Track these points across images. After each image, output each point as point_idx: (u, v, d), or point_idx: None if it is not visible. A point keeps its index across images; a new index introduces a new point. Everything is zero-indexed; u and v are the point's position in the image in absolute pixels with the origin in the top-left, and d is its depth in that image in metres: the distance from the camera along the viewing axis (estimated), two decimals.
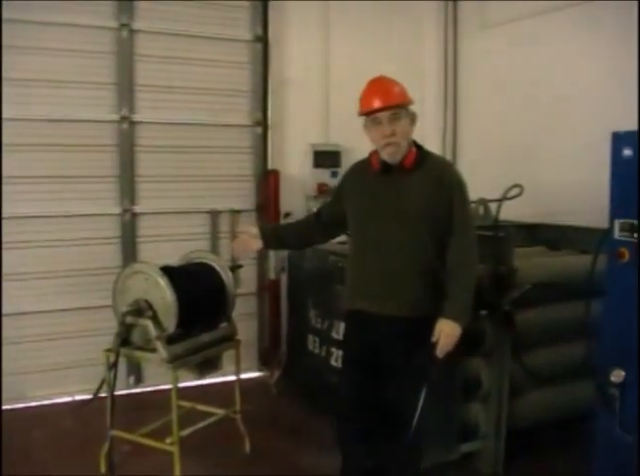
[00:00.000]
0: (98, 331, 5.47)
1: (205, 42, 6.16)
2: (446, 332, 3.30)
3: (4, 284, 5.53)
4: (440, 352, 3.31)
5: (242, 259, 4.88)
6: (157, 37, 5.95)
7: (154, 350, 4.02)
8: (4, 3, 5.26)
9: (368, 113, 3.37)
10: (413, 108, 3.44)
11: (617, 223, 3.33)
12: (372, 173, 3.48)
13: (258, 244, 3.85)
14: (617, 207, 3.36)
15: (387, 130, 3.30)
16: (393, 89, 3.37)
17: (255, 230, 3.88)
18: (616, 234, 3.34)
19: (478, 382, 4.32)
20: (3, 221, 5.48)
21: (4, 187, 5.47)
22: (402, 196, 3.37)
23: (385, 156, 3.36)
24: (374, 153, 3.47)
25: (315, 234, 3.87)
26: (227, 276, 4.51)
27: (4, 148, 5.45)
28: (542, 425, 4.61)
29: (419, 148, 3.47)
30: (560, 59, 5.81)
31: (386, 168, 3.41)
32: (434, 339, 3.31)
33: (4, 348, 5.57)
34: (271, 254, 6.38)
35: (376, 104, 3.31)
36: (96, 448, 4.35)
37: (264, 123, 6.46)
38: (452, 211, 3.36)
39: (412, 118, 3.43)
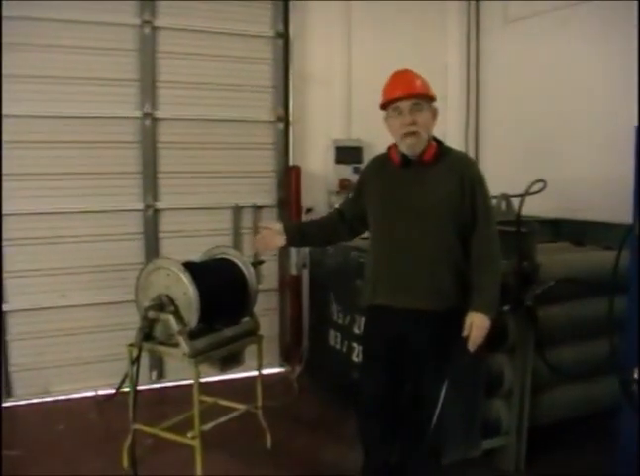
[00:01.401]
0: (121, 326, 5.54)
1: (227, 38, 6.16)
2: (476, 325, 3.30)
3: (28, 279, 5.59)
4: (472, 346, 3.31)
5: (263, 255, 4.87)
6: (178, 33, 5.97)
7: (176, 345, 4.03)
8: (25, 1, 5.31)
9: (390, 101, 3.38)
10: (436, 104, 3.46)
11: None
12: (391, 167, 3.48)
13: (281, 241, 3.79)
14: None
15: (408, 119, 3.31)
16: (416, 81, 3.39)
17: (278, 226, 3.84)
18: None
19: (500, 378, 4.29)
20: (27, 217, 5.54)
21: (28, 184, 5.53)
22: (424, 190, 3.37)
23: (405, 147, 3.36)
24: (394, 146, 3.48)
25: (340, 232, 3.83)
26: (249, 271, 4.51)
27: (28, 145, 5.50)
28: (565, 422, 4.58)
29: (439, 143, 3.47)
30: (581, 54, 5.77)
31: (406, 161, 3.40)
32: (465, 333, 3.31)
33: (29, 342, 5.64)
34: (293, 250, 6.37)
35: (399, 93, 3.34)
36: (119, 442, 4.39)
37: (285, 119, 6.46)
38: (474, 206, 3.35)
39: (434, 113, 3.44)
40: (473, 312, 3.32)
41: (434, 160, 3.39)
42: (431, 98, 3.42)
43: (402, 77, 3.44)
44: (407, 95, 3.32)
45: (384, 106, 3.44)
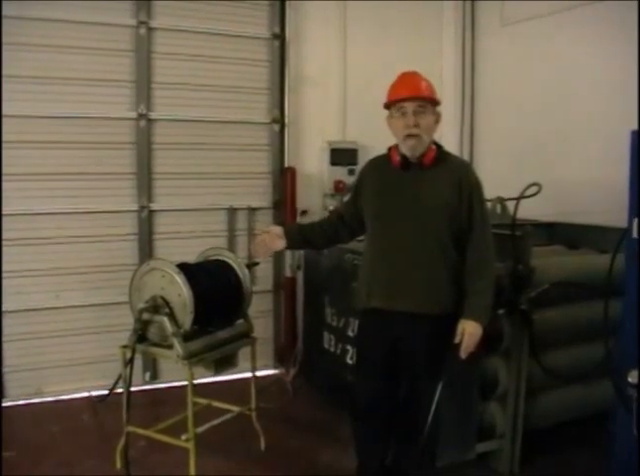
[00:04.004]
0: (115, 327, 5.53)
1: (223, 39, 6.16)
2: (469, 332, 3.30)
3: (22, 280, 5.57)
4: (464, 352, 3.31)
5: (262, 259, 4.84)
6: (174, 34, 5.96)
7: (170, 347, 4.02)
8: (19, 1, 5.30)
9: (395, 101, 3.38)
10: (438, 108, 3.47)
11: (636, 222, 3.29)
12: (390, 169, 3.48)
13: (281, 244, 3.77)
14: (636, 206, 3.32)
15: (411, 120, 3.31)
16: (423, 83, 3.40)
17: (278, 229, 3.81)
18: (635, 234, 3.30)
19: (495, 381, 4.29)
20: (21, 217, 5.52)
21: (23, 185, 5.51)
22: (422, 194, 3.38)
23: (405, 148, 3.37)
24: (394, 148, 3.48)
25: (340, 234, 3.81)
26: (243, 273, 4.50)
27: (23, 145, 5.48)
28: (560, 425, 4.59)
29: (439, 147, 3.47)
30: (577, 58, 5.78)
31: (406, 164, 3.40)
32: (457, 340, 3.31)
33: (22, 343, 5.62)
34: (288, 252, 6.36)
35: (405, 93, 3.34)
36: (112, 444, 4.39)
37: (281, 120, 6.45)
38: (471, 212, 3.37)
39: (437, 117, 3.45)
40: (465, 319, 3.33)
41: (433, 164, 3.40)
42: (436, 102, 3.43)
43: (409, 78, 3.44)
44: (413, 97, 3.33)
45: (388, 105, 3.45)
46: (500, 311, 4.01)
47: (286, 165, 6.47)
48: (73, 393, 5.77)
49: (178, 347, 3.97)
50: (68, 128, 5.63)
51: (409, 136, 3.32)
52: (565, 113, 5.88)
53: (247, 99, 6.33)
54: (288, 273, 6.51)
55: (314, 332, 5.80)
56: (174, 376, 5.65)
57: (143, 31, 5.81)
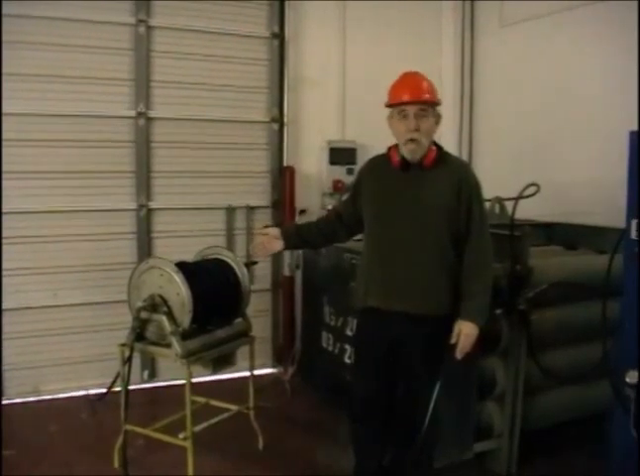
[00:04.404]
0: (113, 326, 5.52)
1: (222, 38, 6.16)
2: (465, 333, 3.30)
3: (20, 278, 5.57)
4: (460, 353, 3.31)
5: (261, 260, 4.83)
6: (173, 33, 5.96)
7: (168, 345, 4.02)
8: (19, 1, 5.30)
9: (396, 105, 3.36)
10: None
11: (634, 223, 3.29)
12: (390, 169, 3.46)
13: (279, 245, 3.77)
14: (634, 207, 3.32)
15: (412, 124, 3.29)
16: (425, 86, 3.37)
17: (275, 231, 3.80)
18: (633, 234, 3.30)
19: (493, 381, 4.29)
20: (20, 216, 5.52)
21: (21, 183, 5.50)
22: (422, 194, 3.37)
23: (405, 152, 3.36)
24: (394, 148, 3.47)
25: (338, 233, 3.81)
26: (242, 272, 4.50)
27: (22, 143, 5.48)
28: (558, 425, 4.59)
29: (439, 148, 3.46)
30: (576, 58, 5.78)
31: (406, 164, 3.40)
32: (453, 340, 3.31)
33: (20, 341, 5.61)
34: (286, 251, 6.35)
35: (406, 97, 3.32)
36: (110, 442, 4.38)
37: (280, 120, 6.45)
38: (470, 214, 3.36)
39: (437, 119, 3.43)
40: (461, 320, 3.33)
41: (433, 165, 3.38)
42: (437, 103, 3.41)
43: (411, 79, 3.42)
44: (414, 101, 3.31)
45: (389, 105, 3.44)
46: (498, 312, 4.01)
47: (285, 164, 6.46)
48: (71, 391, 5.77)
49: (177, 346, 3.97)
50: (67, 126, 5.63)
51: (409, 141, 3.31)
52: (564, 113, 5.87)
53: (246, 98, 6.33)
54: (287, 272, 6.50)
55: (312, 331, 5.80)
56: (173, 374, 5.65)
57: (142, 29, 5.81)
